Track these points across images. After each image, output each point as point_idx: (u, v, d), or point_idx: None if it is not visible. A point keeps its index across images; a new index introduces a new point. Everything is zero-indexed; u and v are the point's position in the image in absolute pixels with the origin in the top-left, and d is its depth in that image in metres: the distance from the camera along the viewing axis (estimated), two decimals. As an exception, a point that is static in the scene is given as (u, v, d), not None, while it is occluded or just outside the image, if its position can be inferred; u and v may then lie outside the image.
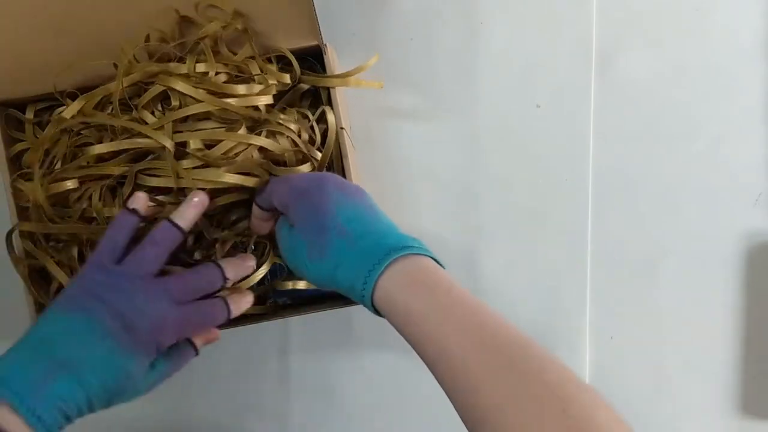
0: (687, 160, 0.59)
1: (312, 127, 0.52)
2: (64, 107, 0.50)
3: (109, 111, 0.49)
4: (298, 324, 0.60)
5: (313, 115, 0.52)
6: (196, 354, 0.46)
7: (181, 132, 0.48)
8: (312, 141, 0.52)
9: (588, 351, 0.60)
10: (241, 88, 0.48)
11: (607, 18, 0.59)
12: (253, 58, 0.50)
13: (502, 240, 0.59)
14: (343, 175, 0.52)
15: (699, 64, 0.59)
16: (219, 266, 0.45)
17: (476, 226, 0.59)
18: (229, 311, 0.45)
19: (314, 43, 0.51)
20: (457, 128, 0.59)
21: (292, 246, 0.44)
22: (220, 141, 0.48)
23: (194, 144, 0.48)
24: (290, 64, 0.51)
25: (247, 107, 0.49)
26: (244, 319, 0.53)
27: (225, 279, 0.45)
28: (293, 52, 0.51)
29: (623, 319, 0.60)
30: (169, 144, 0.47)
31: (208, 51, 0.49)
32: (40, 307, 0.50)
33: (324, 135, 0.52)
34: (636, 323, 0.60)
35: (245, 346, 0.61)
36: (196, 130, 0.48)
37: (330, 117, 0.51)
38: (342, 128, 0.52)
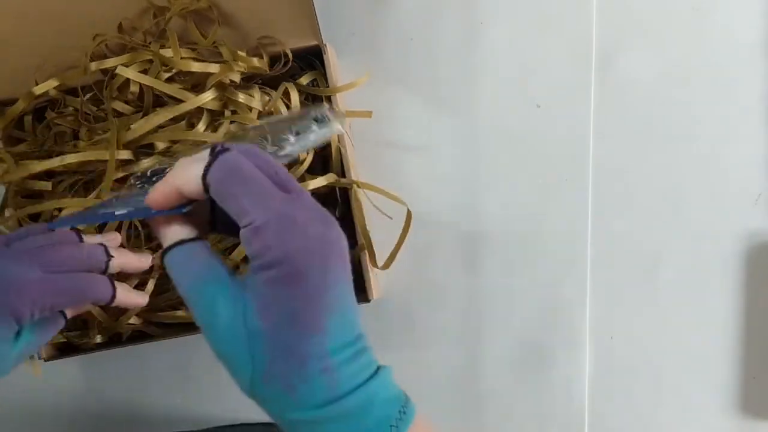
0: (687, 160, 0.59)
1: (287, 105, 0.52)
2: (60, 106, 0.51)
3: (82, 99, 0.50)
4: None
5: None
6: (66, 323, 0.42)
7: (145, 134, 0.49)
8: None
9: (588, 351, 0.60)
10: (195, 65, 0.48)
11: (607, 18, 0.59)
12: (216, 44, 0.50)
13: (502, 240, 0.59)
14: (343, 175, 0.52)
15: (699, 64, 0.59)
16: (104, 245, 0.42)
17: (476, 226, 0.59)
18: (113, 291, 0.41)
19: (314, 43, 0.51)
20: (457, 128, 0.59)
21: (236, 342, 0.30)
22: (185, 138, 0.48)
23: (162, 145, 0.48)
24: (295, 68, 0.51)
25: (214, 96, 0.49)
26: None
27: (109, 256, 0.41)
28: (293, 52, 0.51)
29: (623, 319, 0.60)
30: (108, 156, 0.48)
31: (172, 34, 0.49)
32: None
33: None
34: (636, 323, 0.60)
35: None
36: (157, 128, 0.48)
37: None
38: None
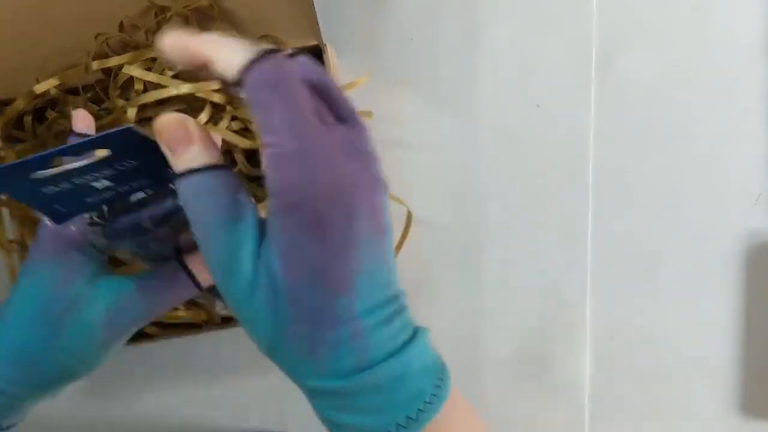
0: (687, 160, 0.59)
1: None
2: (61, 105, 0.51)
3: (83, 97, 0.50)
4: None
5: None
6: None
7: (150, 121, 0.49)
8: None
9: (588, 351, 0.60)
10: None
11: (607, 18, 0.59)
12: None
13: (502, 240, 0.59)
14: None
15: (699, 64, 0.59)
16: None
17: (476, 226, 0.59)
18: None
19: (314, 43, 0.51)
20: (457, 128, 0.59)
21: (256, 297, 0.26)
22: None
23: None
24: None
25: (214, 90, 0.49)
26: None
27: None
28: (293, 51, 0.51)
29: (623, 319, 0.60)
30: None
31: None
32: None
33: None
34: (636, 324, 0.60)
35: (245, 346, 0.60)
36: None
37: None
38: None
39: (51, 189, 0.29)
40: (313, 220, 0.25)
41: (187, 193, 0.26)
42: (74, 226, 0.32)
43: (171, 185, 0.30)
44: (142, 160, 0.29)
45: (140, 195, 0.31)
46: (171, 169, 0.27)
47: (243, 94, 0.25)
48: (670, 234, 0.59)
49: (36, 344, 0.31)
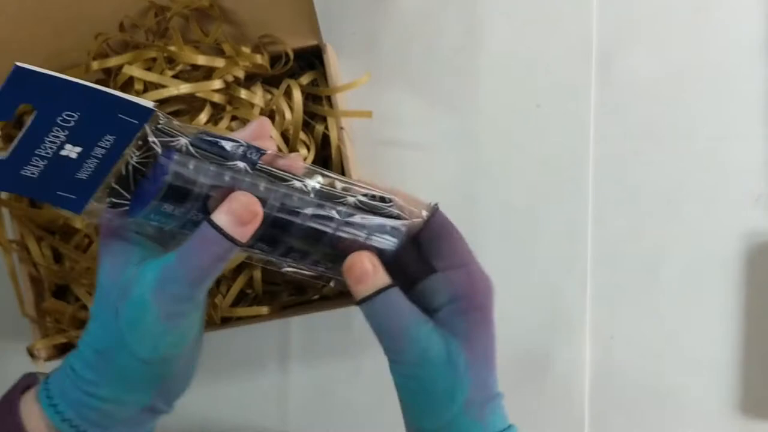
0: (687, 160, 0.59)
1: (290, 106, 0.51)
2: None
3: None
4: (299, 324, 0.60)
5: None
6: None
7: None
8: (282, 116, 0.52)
9: (588, 351, 0.60)
10: (201, 59, 0.48)
11: (607, 18, 0.59)
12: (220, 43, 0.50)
13: (501, 240, 0.59)
14: (342, 174, 0.52)
15: (699, 64, 0.59)
16: None
17: (476, 226, 0.59)
18: None
19: (314, 42, 0.51)
20: (457, 128, 0.59)
21: (450, 374, 0.33)
22: None
23: None
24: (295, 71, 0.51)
25: (214, 90, 0.49)
26: (244, 319, 0.53)
27: None
28: (293, 51, 0.51)
29: (623, 319, 0.60)
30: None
31: (175, 31, 0.49)
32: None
33: (324, 136, 0.52)
34: (636, 323, 0.60)
35: (245, 346, 0.61)
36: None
37: (330, 120, 0.52)
38: (342, 128, 0.52)
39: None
40: (487, 318, 0.35)
41: (373, 310, 0.34)
42: (112, 217, 0.33)
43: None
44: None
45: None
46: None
47: (438, 226, 0.36)
48: (670, 234, 0.59)
49: (107, 338, 0.32)
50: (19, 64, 0.28)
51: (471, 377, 0.33)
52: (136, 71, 0.48)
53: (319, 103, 0.53)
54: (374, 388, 0.60)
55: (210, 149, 0.32)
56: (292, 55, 0.51)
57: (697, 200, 0.59)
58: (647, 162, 0.59)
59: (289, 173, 0.34)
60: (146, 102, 0.30)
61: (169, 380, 0.34)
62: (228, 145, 0.33)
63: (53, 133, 0.30)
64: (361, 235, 0.35)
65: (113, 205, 0.32)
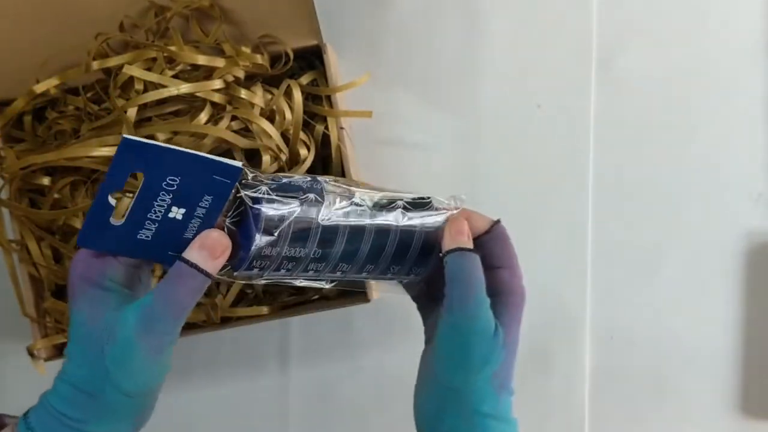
0: (687, 160, 0.59)
1: (290, 105, 0.52)
2: (61, 105, 0.51)
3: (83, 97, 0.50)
4: (298, 324, 0.60)
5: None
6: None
7: (150, 121, 0.49)
8: (282, 116, 0.52)
9: (588, 351, 0.60)
10: (202, 58, 0.48)
11: (607, 18, 0.59)
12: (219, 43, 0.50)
13: (502, 240, 0.59)
14: (343, 175, 0.52)
15: (699, 64, 0.59)
16: None
17: (476, 226, 0.59)
18: None
19: (314, 42, 0.51)
20: (457, 128, 0.59)
21: (497, 343, 0.38)
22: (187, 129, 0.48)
23: (163, 136, 0.48)
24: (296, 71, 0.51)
25: (215, 90, 0.49)
26: (244, 319, 0.53)
27: None
28: (293, 51, 0.51)
29: (623, 319, 0.60)
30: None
31: (175, 31, 0.49)
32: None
33: (324, 136, 0.52)
34: (636, 323, 0.60)
35: (245, 346, 0.61)
36: (160, 115, 0.49)
37: (330, 120, 0.52)
38: (342, 128, 0.52)
39: None
40: (521, 318, 0.39)
41: (459, 263, 0.38)
42: (89, 267, 0.35)
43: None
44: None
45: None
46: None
47: (491, 240, 0.40)
48: (670, 233, 0.59)
49: (93, 378, 0.34)
50: (126, 136, 0.32)
51: (504, 357, 0.38)
52: (136, 71, 0.48)
53: (319, 103, 0.53)
54: (374, 388, 0.60)
55: (287, 189, 0.36)
56: (292, 55, 0.51)
57: (697, 200, 0.59)
58: (647, 162, 0.59)
59: (347, 194, 0.38)
60: (235, 162, 0.34)
61: (148, 408, 0.37)
62: (298, 182, 0.36)
63: (161, 197, 0.33)
64: (417, 227, 0.40)
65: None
